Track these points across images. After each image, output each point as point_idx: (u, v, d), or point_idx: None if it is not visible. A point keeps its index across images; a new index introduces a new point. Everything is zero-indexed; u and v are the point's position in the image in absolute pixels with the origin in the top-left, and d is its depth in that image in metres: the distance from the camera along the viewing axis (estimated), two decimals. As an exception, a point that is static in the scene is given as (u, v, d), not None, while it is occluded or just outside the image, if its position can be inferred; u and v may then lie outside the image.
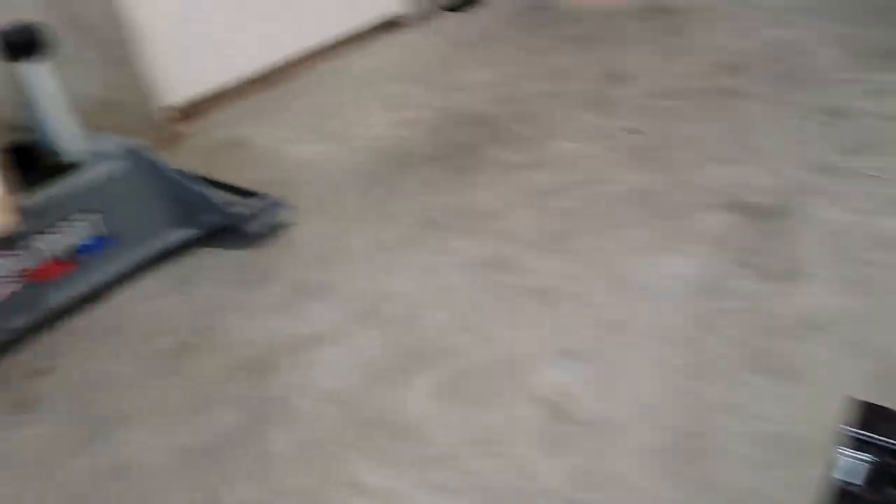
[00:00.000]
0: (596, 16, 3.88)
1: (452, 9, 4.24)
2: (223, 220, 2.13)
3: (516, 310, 1.83)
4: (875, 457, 0.75)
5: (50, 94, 1.92)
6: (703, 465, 1.38)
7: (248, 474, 1.47)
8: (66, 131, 1.97)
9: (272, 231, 2.22)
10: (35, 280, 1.87)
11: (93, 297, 2.00)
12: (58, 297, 1.91)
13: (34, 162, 2.10)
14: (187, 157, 2.70)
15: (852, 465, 0.75)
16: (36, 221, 1.81)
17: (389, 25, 3.97)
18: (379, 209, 2.33)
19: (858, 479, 0.74)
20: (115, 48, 2.64)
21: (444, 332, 1.77)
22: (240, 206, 2.16)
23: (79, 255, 1.95)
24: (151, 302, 2.00)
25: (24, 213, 1.75)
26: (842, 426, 0.78)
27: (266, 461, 1.49)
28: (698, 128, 2.61)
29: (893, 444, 0.75)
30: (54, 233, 1.89)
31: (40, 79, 1.89)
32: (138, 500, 1.43)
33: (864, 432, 0.76)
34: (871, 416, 0.78)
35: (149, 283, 2.08)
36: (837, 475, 0.75)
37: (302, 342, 1.81)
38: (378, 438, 1.51)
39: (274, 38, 3.36)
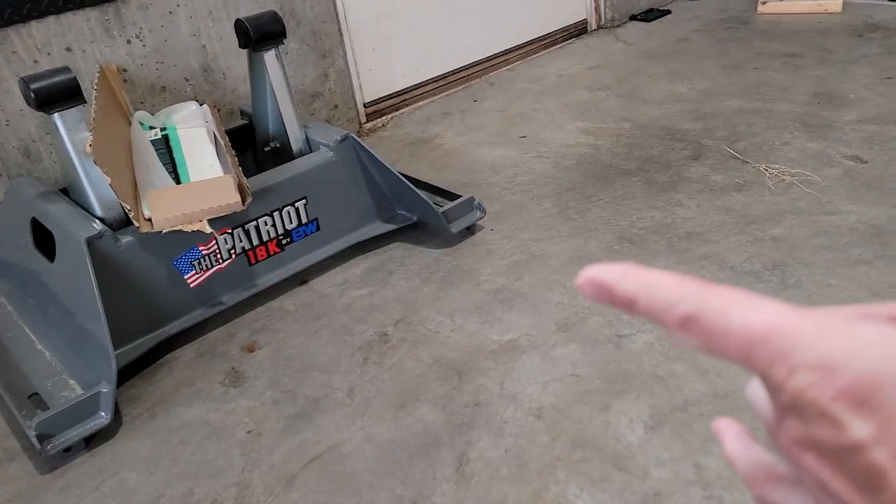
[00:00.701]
0: (798, 31, 3.61)
1: (639, 18, 4.10)
2: (423, 217, 2.14)
3: (733, 342, 1.69)
4: None
5: (279, 82, 2.00)
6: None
7: (453, 479, 1.43)
8: (288, 119, 2.04)
9: (466, 232, 2.20)
10: (249, 259, 1.95)
11: (296, 280, 2.07)
12: (267, 277, 1.98)
13: (253, 146, 2.20)
14: (380, 153, 2.76)
15: None
16: (256, 204, 1.88)
17: (576, 32, 3.90)
18: (574, 219, 2.25)
19: None
20: (325, 42, 2.73)
21: (655, 358, 1.67)
22: (439, 204, 2.16)
23: (288, 239, 2.02)
24: (350, 291, 2.04)
25: (249, 195, 1.82)
26: None
27: (471, 468, 1.45)
28: (936, 160, 2.33)
29: None
30: (269, 216, 1.96)
31: (273, 66, 1.97)
32: (345, 489, 1.44)
33: None
34: None
35: (347, 272, 2.12)
36: None
37: (498, 349, 1.77)
38: (589, 462, 1.43)
39: (466, 40, 3.38)
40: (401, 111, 3.15)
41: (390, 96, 3.12)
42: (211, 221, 1.78)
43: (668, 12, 4.17)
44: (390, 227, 2.16)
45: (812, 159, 2.43)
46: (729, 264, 1.96)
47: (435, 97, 3.27)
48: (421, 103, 3.22)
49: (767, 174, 2.37)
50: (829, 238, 2.01)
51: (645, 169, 2.50)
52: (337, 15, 2.73)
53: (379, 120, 3.06)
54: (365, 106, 3.00)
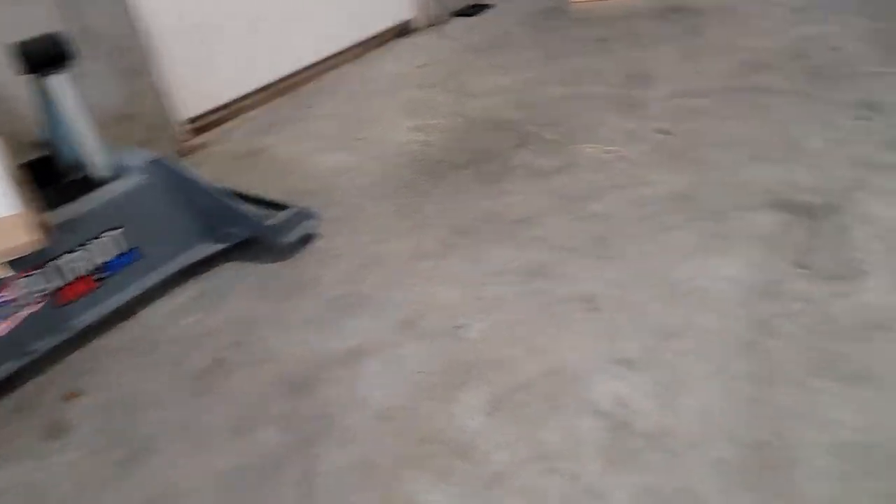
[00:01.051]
0: (610, 18, 3.84)
1: (463, 14, 4.20)
2: (252, 233, 2.07)
3: (563, 319, 1.76)
4: None
5: (72, 107, 1.86)
6: (780, 476, 1.31)
7: (300, 498, 1.39)
8: (88, 145, 1.90)
9: (301, 243, 2.15)
10: (60, 299, 1.80)
11: (120, 314, 1.94)
12: (84, 316, 1.84)
13: (55, 178, 2.04)
14: (206, 169, 2.64)
15: None
16: (61, 239, 1.74)
17: (401, 31, 3.93)
18: (410, 218, 2.27)
19: None
20: (129, 59, 2.58)
21: (491, 344, 1.70)
22: (268, 217, 2.09)
23: (105, 272, 1.88)
24: (181, 318, 1.93)
25: (50, 230, 1.68)
26: None
27: (318, 483, 1.42)
28: (731, 127, 2.55)
29: None
30: (79, 250, 1.82)
31: (62, 91, 1.82)
32: (184, 530, 1.36)
33: None
34: None
35: (176, 299, 2.01)
36: None
37: (342, 356, 1.74)
38: (434, 457, 1.43)
39: (291, 46, 3.31)
40: (227, 124, 3.04)
41: (214, 110, 3.00)
42: (9, 264, 1.62)
43: (491, 6, 4.30)
44: (220, 246, 2.07)
45: (626, 136, 2.59)
46: (557, 244, 2.04)
47: (264, 106, 3.18)
48: (249, 114, 3.13)
49: (586, 154, 2.50)
50: (644, 209, 2.14)
51: (475, 161, 2.56)
52: (138, 31, 2.57)
53: (205, 136, 2.94)
54: (187, 122, 2.86)
